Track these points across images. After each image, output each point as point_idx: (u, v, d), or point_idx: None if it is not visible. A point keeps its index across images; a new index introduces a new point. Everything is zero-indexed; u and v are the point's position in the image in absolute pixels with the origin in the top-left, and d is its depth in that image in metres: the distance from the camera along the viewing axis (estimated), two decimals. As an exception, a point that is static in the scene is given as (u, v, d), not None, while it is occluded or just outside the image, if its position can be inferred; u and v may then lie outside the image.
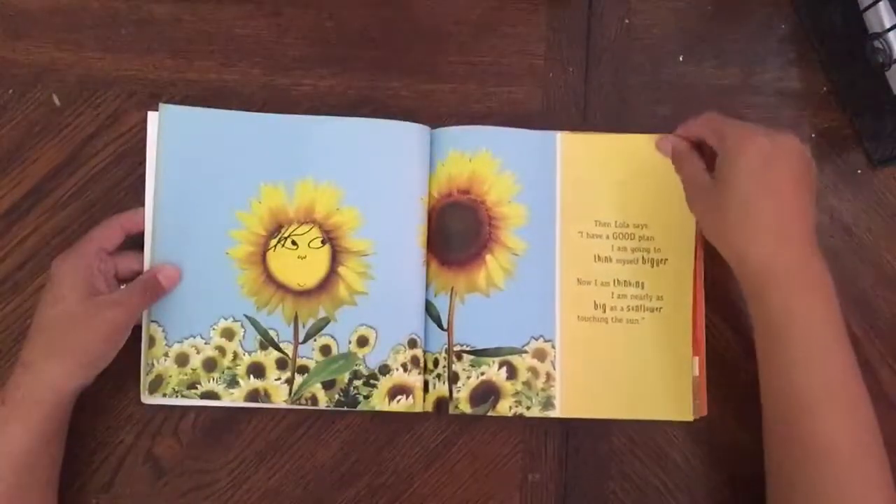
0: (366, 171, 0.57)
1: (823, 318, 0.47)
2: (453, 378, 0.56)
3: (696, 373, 0.56)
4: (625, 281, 0.57)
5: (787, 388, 0.47)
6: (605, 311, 0.57)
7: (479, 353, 0.56)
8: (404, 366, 0.55)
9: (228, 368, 0.55)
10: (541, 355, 0.56)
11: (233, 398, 0.55)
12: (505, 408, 0.56)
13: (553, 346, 0.56)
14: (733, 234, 0.48)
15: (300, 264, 0.56)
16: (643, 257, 0.57)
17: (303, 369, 0.56)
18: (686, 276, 0.57)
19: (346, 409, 0.55)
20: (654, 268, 0.57)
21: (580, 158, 0.58)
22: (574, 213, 0.57)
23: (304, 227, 0.57)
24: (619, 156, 0.58)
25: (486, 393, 0.56)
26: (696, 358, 0.57)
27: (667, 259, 0.57)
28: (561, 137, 0.58)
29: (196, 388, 0.55)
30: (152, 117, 0.56)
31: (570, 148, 0.58)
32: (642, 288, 0.57)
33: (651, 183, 0.58)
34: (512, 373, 0.56)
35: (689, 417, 0.56)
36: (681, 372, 0.56)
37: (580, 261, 0.57)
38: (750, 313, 0.49)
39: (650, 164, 0.57)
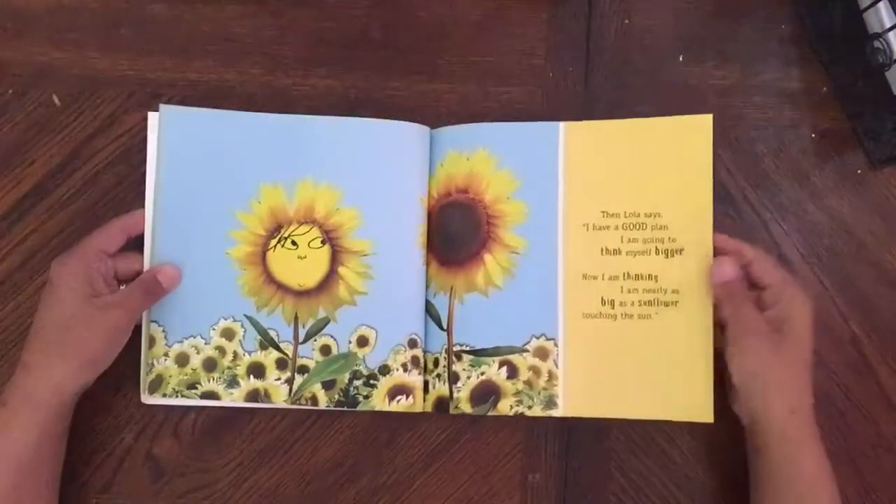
0: (366, 172, 0.57)
1: (827, 463, 0.50)
2: (453, 378, 0.56)
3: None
4: (636, 274, 0.55)
5: None
6: (613, 307, 0.55)
7: (478, 352, 0.56)
8: (404, 366, 0.55)
9: (228, 368, 0.55)
10: (543, 354, 0.56)
11: (233, 398, 0.55)
12: (506, 407, 0.55)
13: (556, 345, 0.56)
14: (789, 387, 0.50)
15: (300, 264, 0.56)
16: (656, 248, 0.55)
17: (303, 369, 0.56)
18: (705, 265, 0.54)
19: (345, 409, 0.55)
20: (668, 258, 0.55)
21: (584, 148, 0.56)
22: (578, 205, 0.56)
23: (304, 228, 0.57)
24: (627, 142, 0.56)
25: (487, 392, 0.56)
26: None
27: (682, 249, 0.55)
28: (564, 127, 0.57)
29: (196, 388, 0.55)
30: (152, 118, 0.57)
31: (573, 138, 0.56)
32: (655, 281, 0.55)
33: (663, 169, 0.55)
34: (512, 372, 0.56)
35: (710, 419, 0.54)
36: (700, 369, 0.54)
37: (585, 255, 0.56)
38: (766, 464, 0.51)
39: (660, 148, 0.55)
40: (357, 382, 0.55)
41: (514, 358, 0.56)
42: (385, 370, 0.55)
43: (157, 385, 0.55)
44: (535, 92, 0.60)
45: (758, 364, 0.50)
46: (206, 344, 0.55)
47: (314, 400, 0.55)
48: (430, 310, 0.57)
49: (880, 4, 0.56)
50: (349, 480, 0.56)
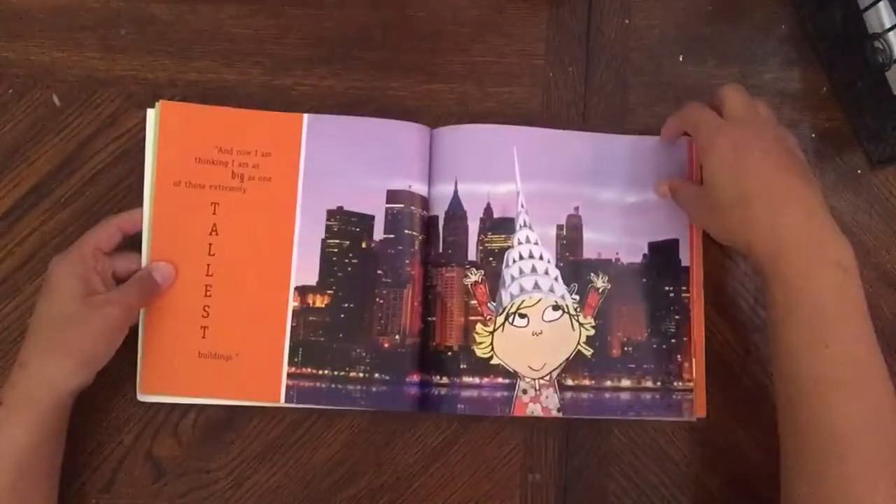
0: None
1: (835, 295, 0.45)
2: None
3: (695, 374, 0.56)
4: None
5: (791, 369, 0.45)
6: None
7: None
8: None
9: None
10: None
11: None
12: None
13: None
14: (733, 229, 0.48)
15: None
16: None
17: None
18: None
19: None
20: None
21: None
22: None
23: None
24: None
25: None
26: (696, 359, 0.56)
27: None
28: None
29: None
30: (150, 115, 0.56)
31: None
32: None
33: None
34: None
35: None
36: None
37: None
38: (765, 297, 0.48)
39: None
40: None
41: None
42: None
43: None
44: (535, 92, 0.60)
45: (703, 226, 0.52)
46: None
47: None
48: None
49: (880, 4, 0.56)
50: (349, 480, 0.56)
